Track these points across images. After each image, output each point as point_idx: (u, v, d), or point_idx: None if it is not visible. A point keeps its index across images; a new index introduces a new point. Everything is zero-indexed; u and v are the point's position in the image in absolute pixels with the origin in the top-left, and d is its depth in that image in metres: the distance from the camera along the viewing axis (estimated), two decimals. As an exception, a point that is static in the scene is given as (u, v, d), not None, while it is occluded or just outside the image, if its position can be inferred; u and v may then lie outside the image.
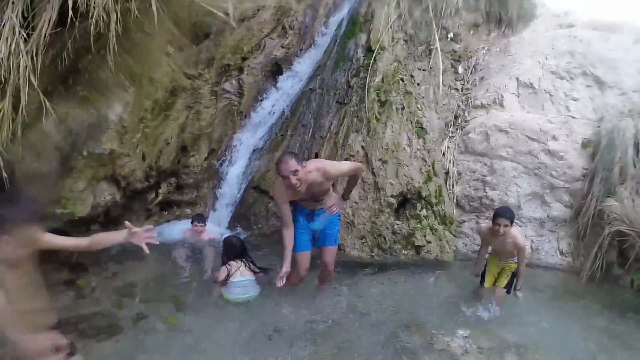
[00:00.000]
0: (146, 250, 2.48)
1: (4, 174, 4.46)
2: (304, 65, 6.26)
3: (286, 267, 3.88)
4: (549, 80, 6.23)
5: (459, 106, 6.02)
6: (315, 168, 3.83)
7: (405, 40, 6.16)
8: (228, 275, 4.26)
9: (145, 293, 4.52)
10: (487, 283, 4.44)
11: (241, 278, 4.28)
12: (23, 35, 4.46)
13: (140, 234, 2.52)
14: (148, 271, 5.00)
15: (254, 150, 5.90)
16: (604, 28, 6.74)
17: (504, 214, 4.10)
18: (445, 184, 5.44)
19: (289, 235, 3.95)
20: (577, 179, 5.70)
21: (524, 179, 5.75)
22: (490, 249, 4.45)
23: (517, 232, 4.26)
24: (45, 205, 4.93)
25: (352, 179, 4.21)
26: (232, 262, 4.34)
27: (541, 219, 5.76)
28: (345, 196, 4.37)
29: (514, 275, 4.38)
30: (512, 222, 4.10)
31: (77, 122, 5.12)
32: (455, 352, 3.63)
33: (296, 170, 3.62)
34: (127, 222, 2.58)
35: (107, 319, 3.95)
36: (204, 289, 4.51)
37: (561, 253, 5.63)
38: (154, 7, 4.85)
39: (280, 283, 3.90)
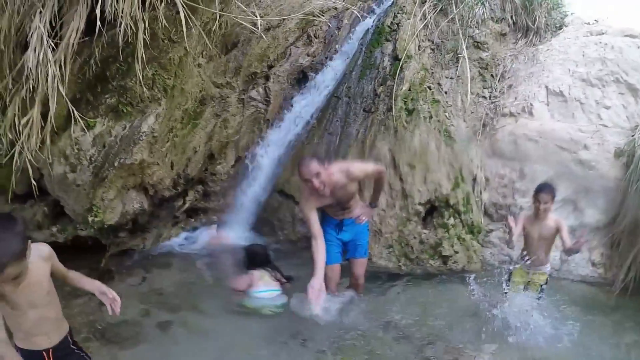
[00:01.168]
0: (110, 311, 2.42)
1: (33, 181, 4.59)
2: (330, 73, 6.19)
3: (318, 281, 3.63)
4: (580, 88, 6.06)
5: (487, 114, 5.88)
6: (338, 169, 3.76)
7: (432, 49, 6.08)
8: (251, 285, 4.15)
9: (170, 301, 4.49)
10: (511, 292, 4.23)
11: (265, 289, 4.18)
12: (51, 44, 4.51)
13: (108, 296, 2.46)
14: (174, 278, 5.02)
15: (279, 158, 5.82)
16: (635, 36, 6.54)
17: (546, 188, 3.90)
18: (473, 191, 5.28)
19: (320, 246, 3.77)
20: (611, 190, 5.46)
21: (554, 181, 5.52)
22: (519, 250, 4.23)
23: (554, 215, 4.06)
24: (80, 213, 5.13)
25: (378, 182, 4.12)
26: (255, 271, 4.23)
27: (572, 226, 5.51)
28: (372, 202, 4.27)
29: (542, 289, 4.20)
30: (553, 199, 3.88)
31: (111, 135, 5.24)
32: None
33: (319, 173, 3.54)
34: (101, 287, 2.51)
35: (132, 327, 3.93)
36: (228, 296, 4.44)
37: (593, 264, 5.40)
38: (182, 15, 4.87)
39: (316, 306, 3.63)
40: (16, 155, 4.49)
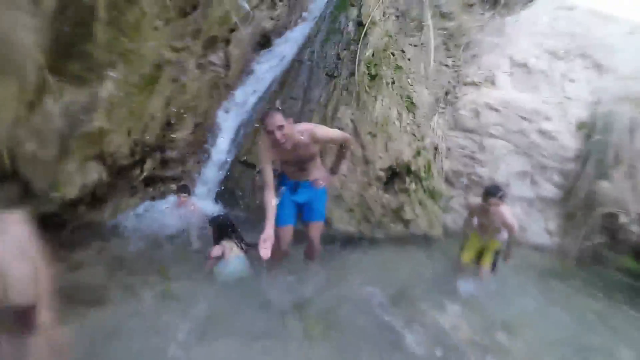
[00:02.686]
0: None
1: (6, 161, 4.31)
2: (293, 37, 5.91)
3: (268, 232, 3.41)
4: (545, 60, 6.01)
5: (449, 82, 5.75)
6: (303, 129, 3.59)
7: (397, 16, 5.87)
8: (222, 255, 4.04)
9: (134, 266, 4.33)
10: (465, 257, 4.29)
11: (234, 257, 4.06)
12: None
13: None
14: (136, 246, 4.81)
15: (240, 124, 5.53)
16: (603, 15, 6.48)
17: (495, 192, 3.91)
18: (434, 159, 5.13)
19: (270, 196, 3.55)
20: (569, 160, 5.43)
21: (514, 157, 5.49)
22: (475, 222, 4.23)
23: (507, 210, 4.06)
24: (44, 189, 4.78)
25: (342, 151, 3.94)
26: (225, 242, 4.11)
27: (530, 198, 5.51)
28: (334, 170, 4.09)
29: (497, 254, 4.23)
30: (502, 200, 3.91)
31: (74, 103, 4.87)
32: (444, 326, 3.42)
33: (282, 125, 3.37)
34: None
35: (98, 290, 3.84)
36: (192, 261, 4.34)
37: (549, 233, 5.36)
38: None
39: (265, 254, 3.40)
40: None
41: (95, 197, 5.33)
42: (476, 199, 5.10)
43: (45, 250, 2.41)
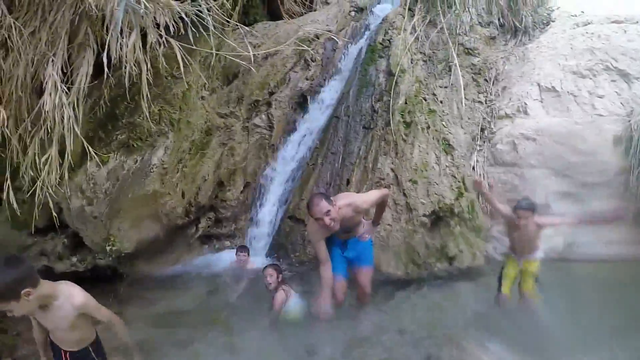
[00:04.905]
0: None
1: (54, 213, 4.81)
2: (329, 94, 6.08)
3: (326, 306, 3.69)
4: (571, 81, 5.83)
5: (484, 118, 5.70)
6: (345, 204, 3.72)
7: (424, 61, 5.92)
8: (286, 300, 4.11)
9: (189, 319, 4.38)
10: (505, 288, 4.06)
11: (295, 299, 4.17)
12: (64, 88, 4.73)
13: None
14: (191, 299, 4.89)
15: (287, 181, 5.72)
16: (620, 21, 6.30)
17: (525, 205, 3.79)
18: (478, 197, 5.09)
19: (327, 273, 3.77)
20: (614, 175, 5.23)
21: (554, 180, 5.33)
22: (508, 245, 4.09)
23: (542, 219, 3.90)
24: (98, 243, 5.17)
25: (380, 205, 4.06)
26: (284, 287, 4.19)
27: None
28: (375, 222, 4.21)
29: (536, 279, 4.00)
30: (533, 212, 3.79)
31: (124, 169, 5.34)
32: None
33: (328, 211, 3.50)
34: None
35: (152, 345, 3.79)
36: (249, 314, 4.35)
37: (603, 245, 5.12)
38: (178, 57, 5.05)
39: (324, 315, 3.69)
40: (38, 190, 4.67)
41: (152, 252, 5.57)
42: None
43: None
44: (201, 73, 6.10)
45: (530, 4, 6.77)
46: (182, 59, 5.02)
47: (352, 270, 4.03)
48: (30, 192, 4.70)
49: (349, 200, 3.77)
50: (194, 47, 5.08)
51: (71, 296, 2.46)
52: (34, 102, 4.98)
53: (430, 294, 4.52)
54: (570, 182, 5.26)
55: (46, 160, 4.74)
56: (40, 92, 4.92)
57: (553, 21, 6.80)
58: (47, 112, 4.64)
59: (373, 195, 3.99)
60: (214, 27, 5.40)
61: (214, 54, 5.73)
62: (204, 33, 5.14)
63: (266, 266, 4.32)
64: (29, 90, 5.08)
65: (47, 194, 4.64)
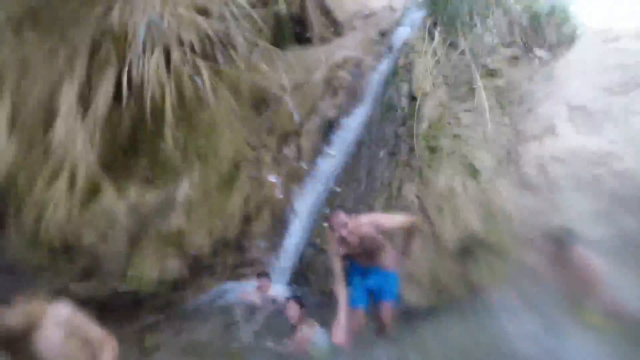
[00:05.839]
0: None
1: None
2: (354, 120, 6.03)
3: (341, 321, 3.51)
4: (603, 98, 5.53)
5: (509, 141, 5.47)
6: (367, 221, 3.62)
7: (447, 84, 5.80)
8: (311, 336, 3.99)
9: (210, 354, 4.30)
10: None
11: (319, 333, 4.03)
12: (79, 110, 4.34)
13: None
14: (213, 331, 4.76)
15: (310, 210, 5.66)
16: (650, 34, 5.97)
17: (568, 237, 3.58)
18: (504, 225, 4.86)
19: (341, 288, 3.65)
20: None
21: (588, 202, 5.01)
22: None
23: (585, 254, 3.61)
24: (113, 283, 4.82)
25: (409, 233, 3.84)
26: (307, 322, 4.07)
27: (607, 237, 4.90)
28: (405, 253, 3.97)
29: None
30: (573, 246, 3.55)
31: (144, 204, 4.95)
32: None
33: (346, 223, 3.48)
34: None
35: None
36: (266, 348, 4.20)
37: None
38: (205, 77, 4.59)
39: (339, 339, 3.50)
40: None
41: (174, 284, 5.19)
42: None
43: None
44: (229, 98, 5.78)
45: (554, 22, 6.56)
46: (211, 83, 4.62)
47: (374, 304, 3.86)
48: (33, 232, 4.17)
49: (371, 218, 3.69)
50: (221, 69, 4.84)
51: (53, 314, 2.28)
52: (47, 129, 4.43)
53: (454, 323, 4.31)
54: (606, 204, 4.94)
55: (52, 194, 4.26)
56: (53, 117, 4.42)
57: (578, 38, 6.55)
58: (59, 140, 4.13)
59: (399, 218, 3.85)
60: (245, 49, 5.10)
61: (245, 78, 5.39)
62: (233, 54, 4.86)
63: (289, 299, 4.22)
64: (42, 115, 4.54)
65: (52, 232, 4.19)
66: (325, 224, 4.12)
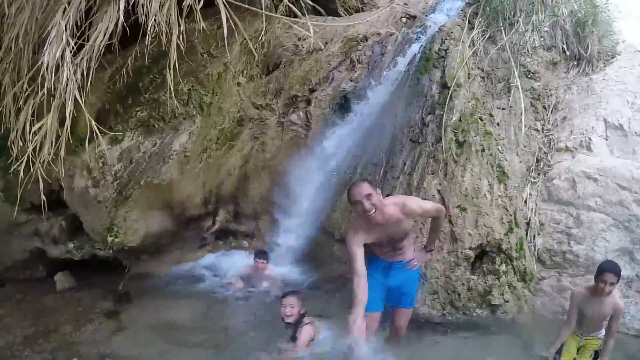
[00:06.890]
0: None
1: (42, 195, 4.00)
2: (373, 99, 5.43)
3: (358, 317, 2.91)
4: (640, 121, 5.12)
5: (540, 149, 5.01)
6: (393, 202, 3.11)
7: (482, 78, 5.25)
8: (314, 334, 3.49)
9: (190, 338, 3.79)
10: None
11: (324, 333, 3.55)
12: (71, 44, 3.74)
13: None
14: (196, 311, 4.27)
15: (319, 187, 5.10)
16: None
17: (613, 268, 3.19)
18: (526, 235, 4.42)
19: (363, 285, 2.99)
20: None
21: (613, 232, 4.63)
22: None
23: (616, 292, 3.33)
24: (99, 232, 4.52)
25: (436, 223, 3.47)
26: (310, 318, 3.56)
27: (629, 277, 4.60)
28: (428, 246, 3.59)
29: (597, 355, 3.43)
30: (619, 279, 3.20)
31: (139, 151, 4.65)
32: None
33: (370, 194, 2.89)
34: None
35: None
36: (260, 342, 3.71)
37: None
38: (224, 24, 4.01)
39: (358, 336, 2.92)
40: (31, 165, 3.83)
41: (158, 246, 4.94)
42: (577, 282, 4.36)
43: None
44: (242, 56, 5.50)
45: (596, 33, 6.10)
46: (227, 29, 3.96)
47: (390, 308, 3.39)
48: (18, 164, 3.75)
49: (397, 199, 3.18)
50: (246, 9, 4.29)
51: None
52: (38, 58, 3.93)
53: (466, 341, 3.87)
54: (628, 236, 4.56)
55: (39, 129, 3.82)
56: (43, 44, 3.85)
57: (619, 54, 6.11)
58: (47, 69, 3.60)
59: (427, 203, 3.37)
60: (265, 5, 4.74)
61: (261, 36, 5.01)
62: (251, 9, 4.43)
63: (286, 294, 3.59)
64: (32, 42, 4.11)
65: (39, 170, 3.79)
66: (345, 197, 3.51)
